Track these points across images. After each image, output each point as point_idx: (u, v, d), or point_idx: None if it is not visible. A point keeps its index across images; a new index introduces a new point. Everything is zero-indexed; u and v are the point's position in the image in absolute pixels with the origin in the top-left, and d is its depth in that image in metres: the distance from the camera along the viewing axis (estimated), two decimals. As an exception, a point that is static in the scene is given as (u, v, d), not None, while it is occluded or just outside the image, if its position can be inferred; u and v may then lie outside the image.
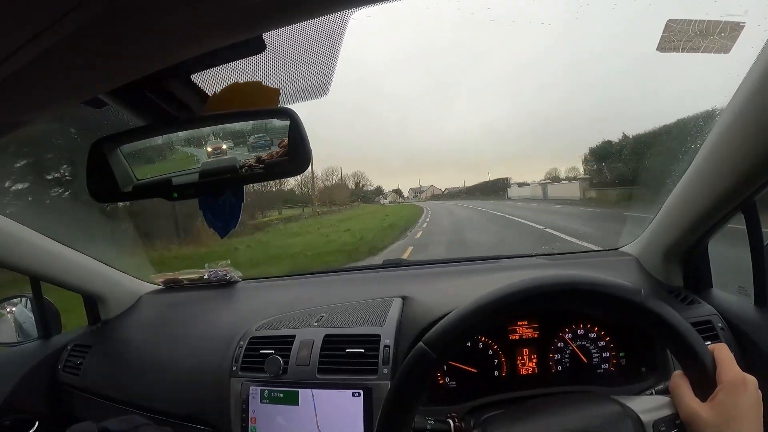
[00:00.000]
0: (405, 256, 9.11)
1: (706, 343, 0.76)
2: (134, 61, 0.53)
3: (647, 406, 0.78)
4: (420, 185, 72.91)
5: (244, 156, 0.75)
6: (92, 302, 1.85)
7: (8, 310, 1.77)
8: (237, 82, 0.72)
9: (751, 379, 0.73)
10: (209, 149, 0.76)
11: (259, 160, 0.73)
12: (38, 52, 0.45)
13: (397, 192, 69.96)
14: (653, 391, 0.88)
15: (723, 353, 0.76)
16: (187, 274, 1.97)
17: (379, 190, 68.89)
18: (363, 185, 62.79)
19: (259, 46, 0.63)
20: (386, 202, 60.15)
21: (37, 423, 1.59)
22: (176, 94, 0.72)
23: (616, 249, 1.75)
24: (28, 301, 1.76)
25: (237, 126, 0.76)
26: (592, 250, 1.97)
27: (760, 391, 0.73)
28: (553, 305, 0.79)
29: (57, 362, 1.68)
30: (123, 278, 1.92)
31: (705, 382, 0.73)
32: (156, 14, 0.44)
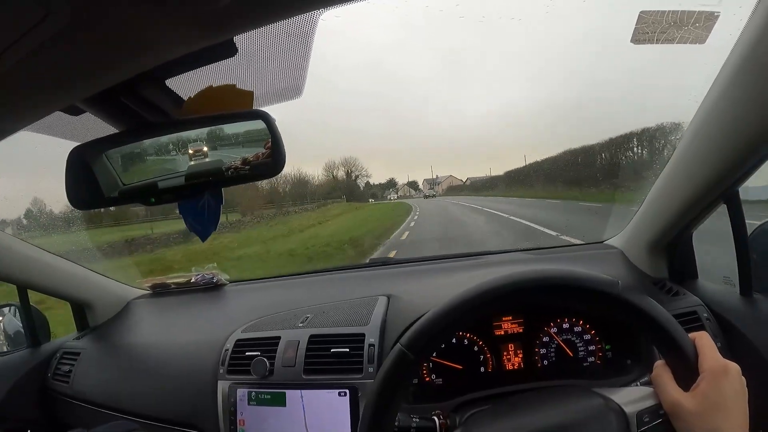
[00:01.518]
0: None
1: (688, 334, 0.77)
2: (107, 68, 0.54)
3: (630, 397, 0.79)
4: (435, 175, 62.80)
5: (229, 158, 0.75)
6: (80, 309, 1.85)
7: (-2, 319, 1.77)
8: (211, 85, 0.72)
9: (734, 366, 0.73)
10: (190, 152, 0.76)
11: (244, 161, 0.74)
12: (9, 65, 0.45)
13: (412, 185, 61.98)
14: (638, 383, 0.88)
15: (704, 341, 0.76)
16: (174, 279, 1.97)
17: (391, 183, 62.05)
18: (356, 176, 54.41)
19: (230, 50, 0.63)
20: (395, 197, 53.98)
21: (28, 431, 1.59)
22: (152, 100, 0.72)
23: (601, 242, 1.76)
24: (17, 310, 1.75)
25: (221, 129, 0.76)
26: (577, 244, 1.97)
27: (743, 378, 0.73)
28: (530, 301, 0.79)
29: (47, 370, 1.68)
30: (110, 284, 1.92)
31: (687, 372, 0.73)
32: (122, 22, 0.44)
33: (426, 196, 44.94)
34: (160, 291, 1.97)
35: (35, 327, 1.74)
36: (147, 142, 0.77)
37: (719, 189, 1.11)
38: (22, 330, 1.75)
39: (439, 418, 0.90)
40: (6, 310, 1.79)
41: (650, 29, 1.00)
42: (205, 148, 0.76)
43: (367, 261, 2.08)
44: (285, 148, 0.71)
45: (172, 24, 0.48)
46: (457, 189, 52.55)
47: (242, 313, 1.57)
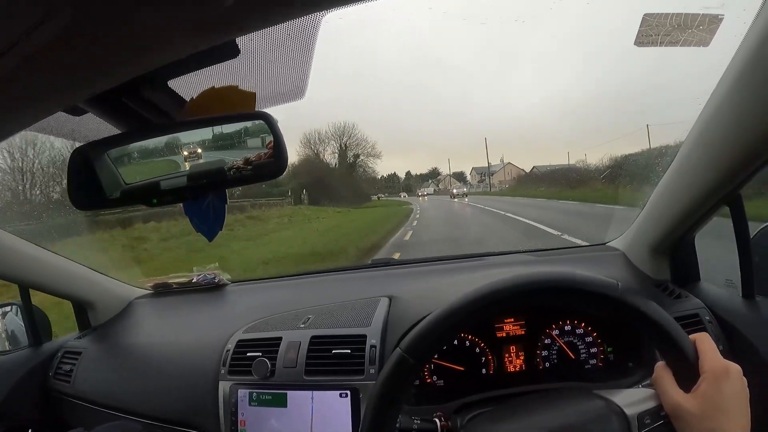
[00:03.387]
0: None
1: (689, 335, 0.77)
2: (109, 69, 0.53)
3: (631, 399, 0.79)
4: (489, 163, 46.54)
5: (231, 158, 0.75)
6: (82, 309, 1.85)
7: (-3, 318, 1.77)
8: (213, 87, 0.72)
9: (735, 367, 0.73)
10: (185, 153, 0.76)
11: (247, 161, 0.74)
12: (10, 66, 0.45)
13: (458, 176, 49.72)
14: (640, 385, 0.88)
15: (704, 343, 0.76)
16: (176, 278, 1.97)
17: (432, 173, 51.97)
18: (354, 157, 39.02)
19: (233, 51, 0.64)
20: (426, 192, 43.74)
21: (29, 431, 1.59)
22: (154, 101, 0.72)
23: (604, 244, 1.76)
24: (18, 309, 1.75)
25: (222, 130, 0.76)
26: (579, 246, 1.97)
27: (744, 379, 0.74)
28: (531, 303, 0.80)
29: (48, 369, 1.68)
30: (112, 284, 1.92)
31: (687, 373, 0.74)
32: (124, 22, 0.44)
33: (455, 196, 30.60)
34: (161, 291, 1.97)
35: (37, 326, 1.74)
36: (149, 142, 0.77)
37: (722, 191, 1.11)
38: (24, 329, 1.75)
39: (440, 420, 0.90)
40: (7, 309, 1.79)
41: (654, 31, 1.00)
42: (199, 150, 0.76)
43: (369, 262, 2.08)
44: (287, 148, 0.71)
45: (174, 25, 0.48)
46: (523, 183, 32.62)
47: (244, 313, 1.57)
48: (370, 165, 43.29)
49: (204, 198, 0.80)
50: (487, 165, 47.42)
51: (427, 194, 41.25)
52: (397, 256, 8.66)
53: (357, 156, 40.39)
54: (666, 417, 0.75)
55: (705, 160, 1.08)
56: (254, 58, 0.67)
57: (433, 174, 52.82)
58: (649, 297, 0.77)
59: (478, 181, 47.70)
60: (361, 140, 40.45)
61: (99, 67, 0.53)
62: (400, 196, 42.56)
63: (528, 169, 38.33)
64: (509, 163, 43.40)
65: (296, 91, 0.79)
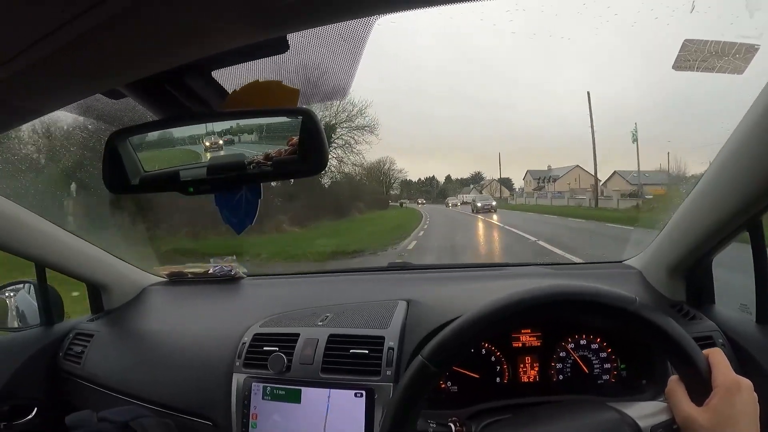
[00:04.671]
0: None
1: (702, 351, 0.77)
2: (156, 55, 0.54)
3: (644, 412, 0.80)
4: (549, 167, 38.41)
5: (252, 152, 0.75)
6: (96, 291, 1.86)
7: (9, 295, 1.78)
8: (257, 80, 0.73)
9: (746, 383, 0.74)
10: (206, 144, 0.76)
11: (267, 157, 0.74)
12: (60, 45, 0.46)
13: (505, 182, 41.24)
14: None
15: (717, 357, 0.77)
16: (191, 268, 1.98)
17: (475, 178, 44.84)
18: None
19: (282, 46, 0.64)
20: (460, 200, 34.17)
21: (35, 410, 1.60)
22: (196, 90, 0.73)
23: (621, 261, 1.76)
24: (32, 287, 1.76)
25: (248, 122, 0.76)
26: (596, 262, 1.98)
27: (755, 394, 0.74)
28: (551, 315, 0.81)
29: (58, 350, 1.69)
30: (127, 268, 1.92)
31: (700, 387, 0.75)
32: (180, 11, 0.45)
33: (480, 210, 22.37)
34: (176, 279, 1.98)
35: (50, 305, 1.75)
36: (187, 131, 0.77)
37: (744, 217, 1.11)
38: (37, 307, 1.76)
39: (455, 425, 0.91)
40: (20, 286, 1.80)
41: (692, 57, 1.01)
42: (221, 141, 0.76)
43: (386, 264, 2.09)
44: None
45: (229, 17, 0.48)
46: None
47: (259, 307, 1.57)
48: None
49: (237, 191, 0.80)
50: (548, 168, 38.74)
51: (461, 203, 32.95)
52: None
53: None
54: (678, 430, 0.75)
55: (729, 185, 1.08)
56: (302, 55, 0.68)
57: (476, 179, 46.09)
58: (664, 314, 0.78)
59: (535, 189, 37.86)
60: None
61: (147, 52, 0.53)
62: (417, 203, 37.70)
63: (605, 176, 28.32)
64: (578, 166, 31.90)
65: (340, 91, 0.79)
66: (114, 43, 0.49)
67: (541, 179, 38.60)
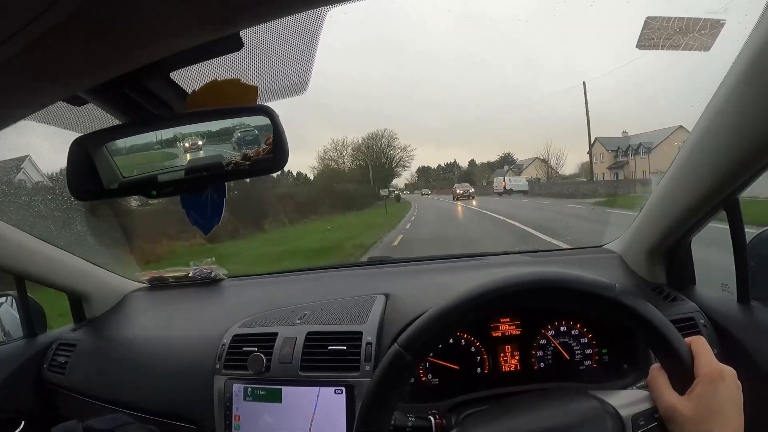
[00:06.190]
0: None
1: (685, 338, 0.77)
2: (112, 58, 0.54)
3: (625, 400, 0.79)
4: (625, 132, 28.61)
5: (230, 153, 0.75)
6: (77, 301, 1.84)
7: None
8: (216, 79, 0.72)
9: (729, 371, 0.74)
10: (186, 145, 0.76)
11: (245, 157, 0.74)
12: (13, 52, 0.45)
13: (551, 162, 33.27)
14: (634, 387, 0.89)
15: (700, 346, 0.76)
16: (172, 272, 1.97)
17: (507, 159, 37.42)
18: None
19: (236, 44, 0.64)
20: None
21: (23, 422, 1.59)
22: (156, 92, 0.73)
23: (600, 246, 1.77)
24: (13, 300, 1.75)
25: (222, 124, 0.76)
26: (576, 248, 1.98)
27: (739, 383, 0.74)
28: (528, 303, 0.80)
29: (42, 361, 1.68)
30: (108, 276, 1.92)
31: (683, 375, 0.74)
32: (131, 12, 0.44)
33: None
34: (157, 284, 1.97)
35: (32, 317, 1.74)
36: (149, 134, 0.77)
37: (720, 196, 1.11)
38: (19, 320, 1.75)
39: (435, 418, 0.91)
40: (2, 300, 1.79)
41: (656, 35, 1.01)
42: (200, 142, 0.76)
43: (366, 260, 2.09)
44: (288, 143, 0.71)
45: (179, 16, 0.48)
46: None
47: (239, 308, 1.57)
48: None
49: (203, 192, 0.80)
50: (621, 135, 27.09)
51: (502, 190, 26.45)
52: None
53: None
54: (660, 419, 0.75)
55: (704, 164, 1.08)
56: (257, 52, 0.68)
57: (506, 160, 37.70)
58: (644, 300, 0.78)
59: (611, 166, 27.81)
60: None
61: (101, 56, 0.53)
62: (422, 194, 33.65)
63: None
64: (681, 127, 20.35)
65: (299, 86, 0.79)
66: (67, 47, 0.48)
67: (622, 149, 26.39)
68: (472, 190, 26.24)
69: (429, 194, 34.28)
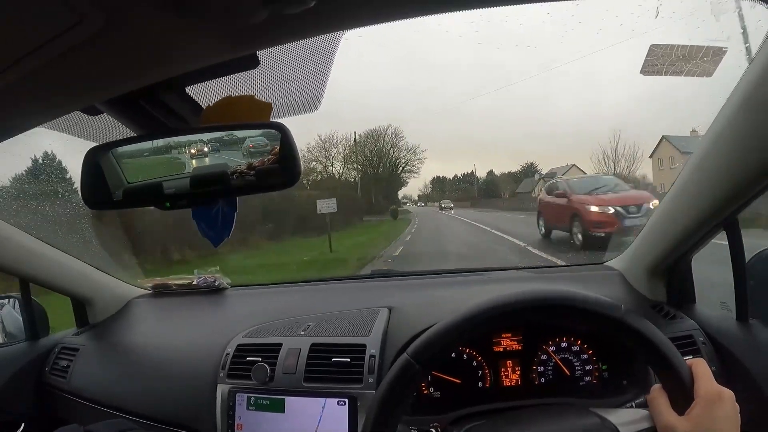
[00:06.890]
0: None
1: (685, 358, 0.79)
2: (132, 73, 0.55)
3: (625, 419, 0.80)
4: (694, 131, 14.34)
5: (235, 163, 0.76)
6: (81, 305, 1.85)
7: (-5, 310, 1.77)
8: (230, 95, 0.74)
9: (728, 393, 0.75)
10: (192, 151, 0.77)
11: (250, 167, 0.75)
12: (39, 64, 0.47)
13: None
14: (633, 404, 0.90)
15: (700, 368, 0.78)
16: (175, 280, 1.98)
17: (530, 169, 29.29)
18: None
19: (253, 62, 0.65)
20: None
21: (23, 425, 1.59)
22: (171, 106, 0.74)
23: (602, 263, 1.77)
24: (16, 302, 1.75)
25: (233, 134, 0.77)
26: (578, 264, 1.99)
27: (737, 405, 0.75)
28: (535, 319, 0.81)
29: (44, 364, 1.68)
30: (112, 282, 1.92)
31: (682, 396, 0.75)
32: (154, 31, 0.46)
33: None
34: (160, 291, 1.98)
35: (35, 320, 1.74)
36: (162, 146, 0.78)
37: (720, 216, 1.13)
38: (21, 323, 1.75)
39: (437, 431, 0.92)
40: (6, 302, 1.79)
41: (660, 61, 1.03)
42: (206, 149, 0.77)
43: (370, 272, 2.10)
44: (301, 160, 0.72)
45: (201, 35, 0.49)
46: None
47: (243, 317, 1.58)
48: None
49: (214, 205, 0.81)
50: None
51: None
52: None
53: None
54: None
55: (705, 185, 1.10)
56: (273, 70, 0.69)
57: (528, 171, 31.54)
58: (644, 317, 0.79)
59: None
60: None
61: (121, 72, 0.54)
62: (441, 206, 26.47)
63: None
64: None
65: (312, 103, 0.81)
66: (89, 63, 0.50)
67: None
68: (453, 205, 26.30)
69: (452, 208, 25.72)
